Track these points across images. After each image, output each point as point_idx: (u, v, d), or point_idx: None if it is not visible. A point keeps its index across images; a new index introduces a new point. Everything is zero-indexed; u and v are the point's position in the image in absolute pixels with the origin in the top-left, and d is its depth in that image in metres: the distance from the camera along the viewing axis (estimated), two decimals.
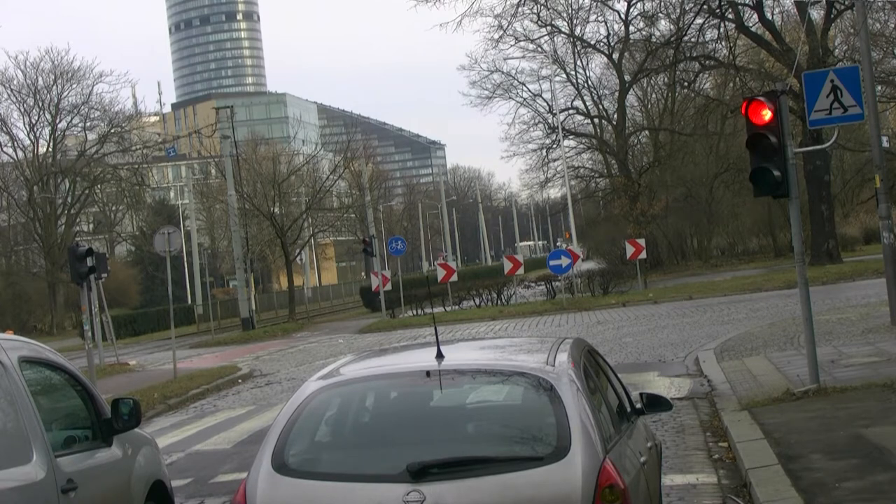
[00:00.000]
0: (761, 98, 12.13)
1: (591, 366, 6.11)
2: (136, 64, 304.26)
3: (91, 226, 76.26)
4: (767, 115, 11.87)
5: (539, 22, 53.99)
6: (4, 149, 65.32)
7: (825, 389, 11.93)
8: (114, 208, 75.43)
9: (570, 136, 62.11)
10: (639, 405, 6.67)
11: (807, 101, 13.23)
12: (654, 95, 65.35)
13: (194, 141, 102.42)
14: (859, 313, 20.75)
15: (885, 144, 20.74)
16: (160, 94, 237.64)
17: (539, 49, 56.30)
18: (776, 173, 11.85)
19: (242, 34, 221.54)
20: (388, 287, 43.25)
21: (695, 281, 42.03)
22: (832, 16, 42.32)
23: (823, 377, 12.42)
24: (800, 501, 7.59)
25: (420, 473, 4.83)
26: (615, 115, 59.64)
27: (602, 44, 57.73)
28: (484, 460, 4.93)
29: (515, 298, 42.14)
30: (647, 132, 64.71)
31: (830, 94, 12.88)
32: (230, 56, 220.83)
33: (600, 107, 61.67)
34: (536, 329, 28.81)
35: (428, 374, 5.47)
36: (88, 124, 65.55)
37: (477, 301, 41.99)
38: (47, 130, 64.95)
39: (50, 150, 65.22)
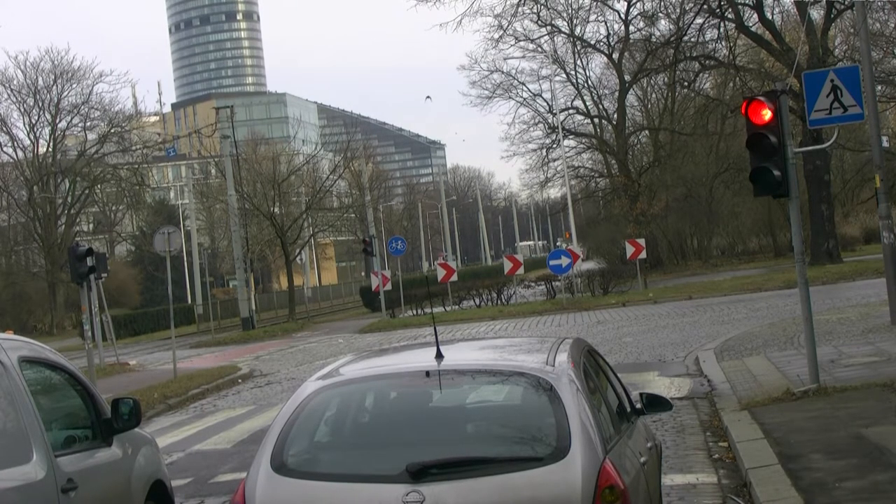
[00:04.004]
0: (761, 98, 12.13)
1: (591, 366, 6.10)
2: (136, 64, 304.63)
3: (91, 226, 76.27)
4: (767, 114, 11.87)
5: (539, 22, 54.09)
6: (4, 149, 65.48)
7: (825, 389, 11.92)
8: (114, 208, 75.45)
9: (570, 136, 62.16)
10: (639, 405, 6.66)
11: (807, 101, 13.23)
12: (654, 95, 65.35)
13: (194, 141, 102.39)
14: (859, 313, 20.75)
15: (885, 144, 20.74)
16: (160, 94, 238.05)
17: (539, 49, 56.39)
18: (776, 173, 11.85)
19: (242, 34, 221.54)
20: (388, 287, 43.24)
21: (695, 281, 42.02)
22: (832, 16, 42.32)
23: (823, 377, 12.41)
24: (800, 501, 7.59)
25: (419, 474, 4.83)
26: (615, 115, 59.65)
27: (602, 44, 57.83)
28: (483, 461, 4.92)
29: (515, 298, 42.13)
30: (647, 132, 64.71)
31: (830, 93, 12.88)
32: (230, 56, 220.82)
33: (600, 107, 61.72)
34: (536, 329, 28.81)
35: (427, 374, 5.47)
36: (88, 124, 65.67)
37: (477, 301, 41.99)
38: (47, 130, 65.06)
39: (50, 150, 65.24)
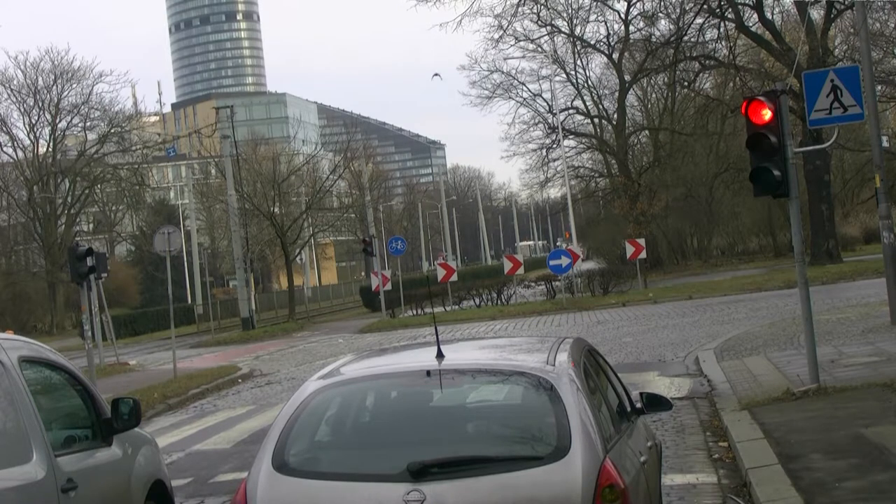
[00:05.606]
0: (761, 98, 12.13)
1: (591, 365, 6.11)
2: (136, 64, 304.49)
3: (91, 226, 76.29)
4: (767, 114, 11.87)
5: (539, 22, 54.07)
6: (4, 149, 65.52)
7: (825, 389, 11.92)
8: (114, 208, 75.48)
9: (570, 136, 62.13)
10: (639, 405, 6.66)
11: (807, 101, 13.23)
12: (654, 95, 65.36)
13: (194, 141, 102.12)
14: (859, 313, 20.75)
15: (885, 144, 20.77)
16: (160, 94, 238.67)
17: (539, 49, 56.37)
18: (776, 173, 11.85)
19: (242, 34, 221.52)
20: (388, 287, 43.24)
21: (695, 281, 42.03)
22: (832, 16, 42.36)
23: (823, 377, 12.41)
24: (800, 501, 7.59)
25: (420, 473, 4.83)
26: (615, 115, 59.65)
27: (602, 44, 57.80)
28: (484, 460, 4.93)
29: (515, 298, 42.11)
30: (647, 132, 64.72)
31: (830, 93, 12.87)
32: (230, 56, 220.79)
33: (600, 107, 61.71)
34: (536, 329, 28.80)
35: (428, 373, 5.47)
36: (88, 124, 65.71)
37: (477, 301, 41.98)
38: (47, 130, 65.09)
39: (50, 150, 65.28)
